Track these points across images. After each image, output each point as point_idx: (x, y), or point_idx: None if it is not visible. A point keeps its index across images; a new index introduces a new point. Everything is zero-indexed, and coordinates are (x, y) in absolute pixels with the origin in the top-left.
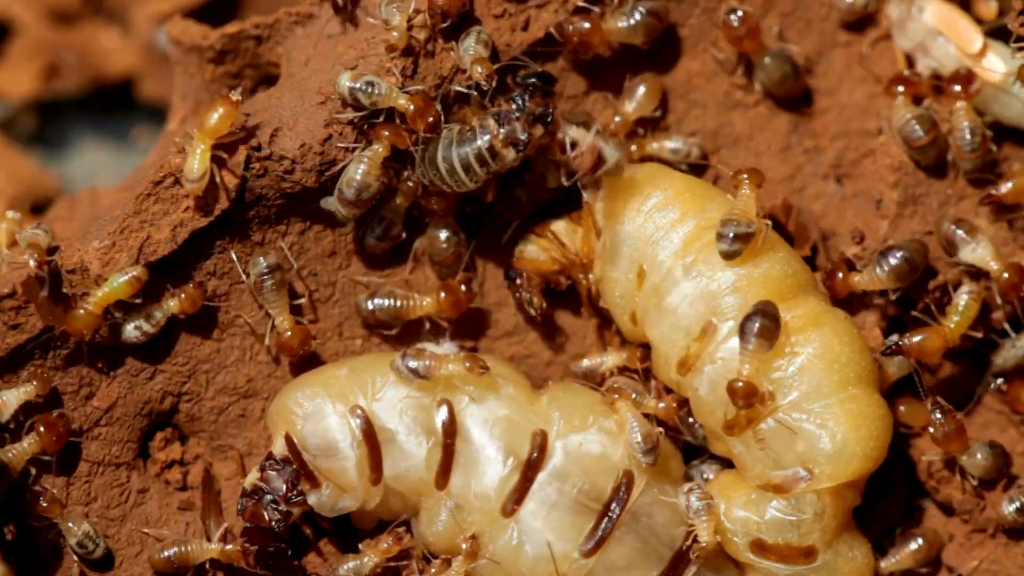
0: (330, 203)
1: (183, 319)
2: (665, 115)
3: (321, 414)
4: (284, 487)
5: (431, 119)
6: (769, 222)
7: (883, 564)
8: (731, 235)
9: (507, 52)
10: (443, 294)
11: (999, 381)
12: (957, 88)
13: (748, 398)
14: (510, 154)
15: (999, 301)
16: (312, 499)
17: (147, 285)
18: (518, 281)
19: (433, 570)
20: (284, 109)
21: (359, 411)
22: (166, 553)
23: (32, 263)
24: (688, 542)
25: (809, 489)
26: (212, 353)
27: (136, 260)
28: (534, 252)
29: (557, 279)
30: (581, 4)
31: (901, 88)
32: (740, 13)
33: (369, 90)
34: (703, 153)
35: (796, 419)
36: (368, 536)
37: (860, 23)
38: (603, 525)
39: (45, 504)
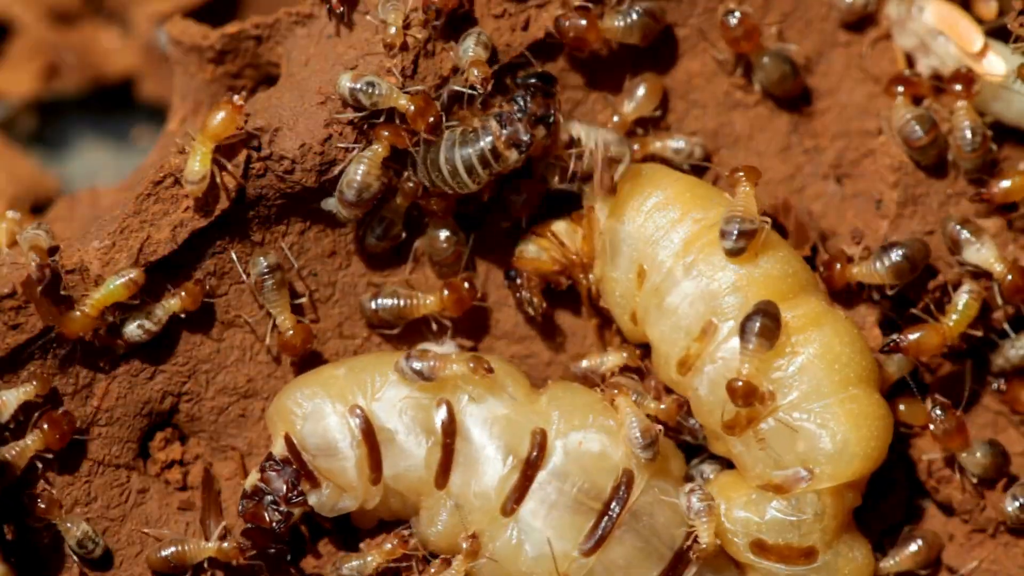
0: (331, 204)
1: (183, 318)
2: (665, 115)
3: (320, 414)
4: (284, 488)
5: (432, 119)
6: (769, 221)
7: (882, 565)
8: (735, 232)
9: (507, 52)
10: (447, 292)
11: (1000, 381)
12: (958, 88)
13: (748, 397)
14: (513, 155)
15: (1000, 302)
16: (312, 499)
17: (147, 285)
18: (518, 281)
19: (432, 570)
20: (284, 109)
21: (358, 411)
22: (164, 553)
23: (34, 266)
24: (688, 542)
25: (809, 489)
26: (212, 353)
27: (136, 260)
28: (534, 252)
29: (557, 279)
30: (579, 3)
31: (901, 88)
32: (738, 14)
33: (369, 90)
34: (706, 153)
35: (796, 419)
36: (368, 536)
37: (860, 23)
38: (603, 524)
39: (43, 505)
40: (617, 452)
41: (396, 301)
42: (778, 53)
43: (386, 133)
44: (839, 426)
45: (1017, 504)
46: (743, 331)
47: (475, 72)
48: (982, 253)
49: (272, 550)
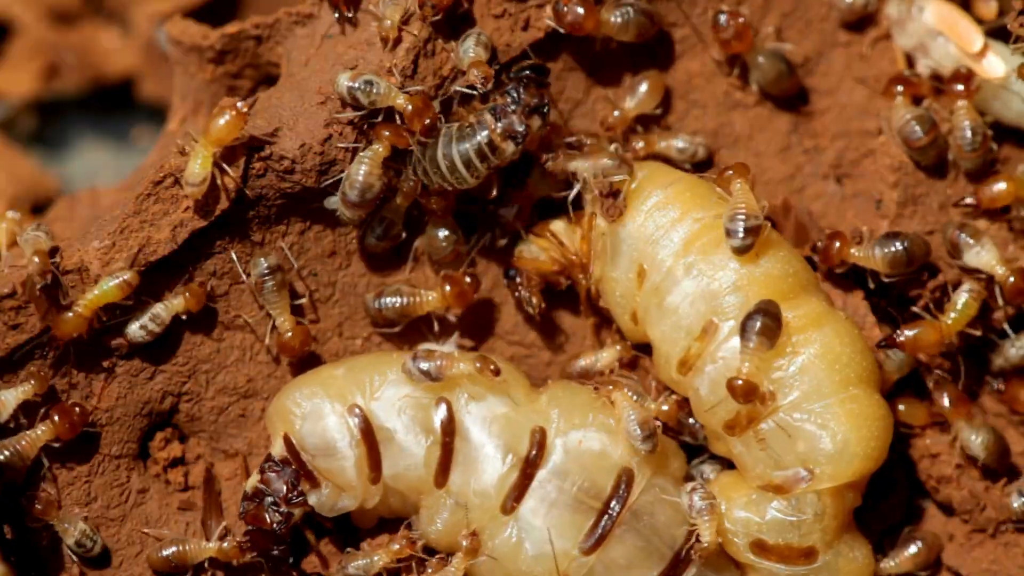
0: (334, 203)
1: (184, 319)
2: (666, 115)
3: (319, 414)
4: (284, 488)
5: (428, 120)
6: (768, 221)
7: (882, 567)
8: (741, 230)
9: (507, 52)
10: (448, 287)
11: (998, 382)
12: (959, 87)
13: (748, 396)
14: (509, 147)
15: (1000, 303)
16: (312, 499)
17: (148, 285)
18: (517, 280)
19: (430, 569)
20: (284, 109)
21: (357, 410)
22: (164, 552)
23: (37, 270)
24: (690, 542)
25: (810, 489)
26: (212, 353)
27: (135, 260)
28: (534, 252)
29: (557, 279)
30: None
31: (900, 88)
32: (726, 15)
33: (368, 89)
34: (709, 153)
35: (797, 419)
36: (369, 535)
37: (860, 23)
38: (603, 523)
39: (40, 506)
40: (617, 451)
41: (400, 299)
42: (774, 52)
43: (386, 133)
44: (839, 426)
45: (1023, 500)
46: (744, 330)
47: (475, 72)
48: (982, 256)
49: (274, 551)
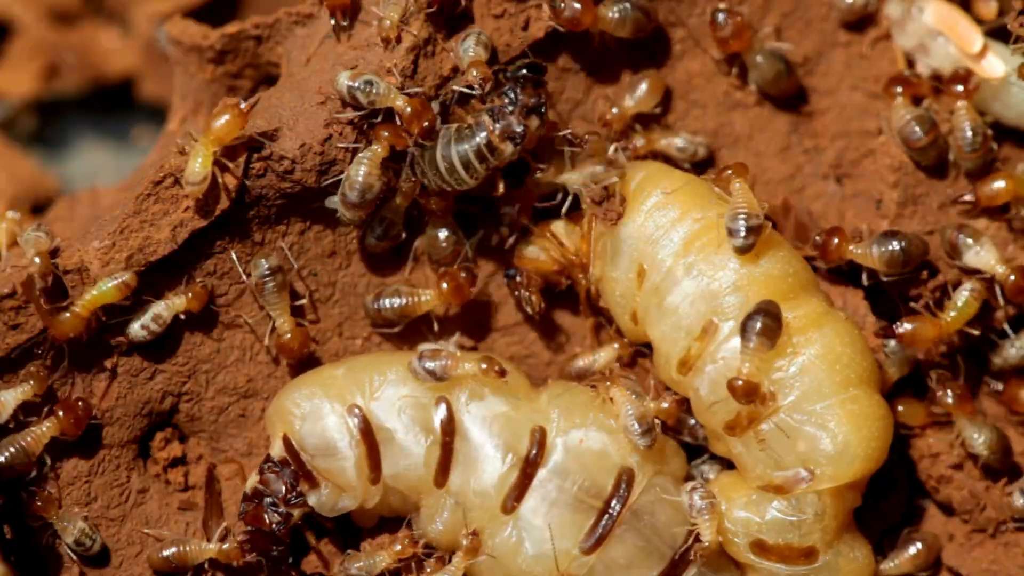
0: (334, 202)
1: (184, 319)
2: (665, 114)
3: (319, 414)
4: (283, 489)
5: (426, 123)
6: (769, 221)
7: (882, 568)
8: (743, 229)
9: (507, 52)
10: (444, 284)
11: (997, 383)
12: (958, 88)
13: (748, 396)
14: (508, 148)
15: (1001, 302)
16: (312, 499)
17: (148, 285)
18: (517, 279)
19: (428, 569)
20: (284, 109)
21: (357, 410)
22: (165, 553)
23: (39, 272)
24: (690, 541)
25: (810, 490)
26: (212, 353)
27: (135, 260)
28: (534, 252)
29: (557, 279)
30: None
31: (900, 88)
32: (724, 13)
33: (367, 89)
34: (709, 152)
35: (797, 420)
36: (369, 535)
37: (860, 23)
38: (603, 522)
39: (40, 503)
40: (618, 451)
41: (399, 300)
42: (772, 52)
43: (386, 133)
44: (840, 427)
45: None
46: (744, 330)
47: (474, 72)
48: (982, 256)
49: (273, 552)
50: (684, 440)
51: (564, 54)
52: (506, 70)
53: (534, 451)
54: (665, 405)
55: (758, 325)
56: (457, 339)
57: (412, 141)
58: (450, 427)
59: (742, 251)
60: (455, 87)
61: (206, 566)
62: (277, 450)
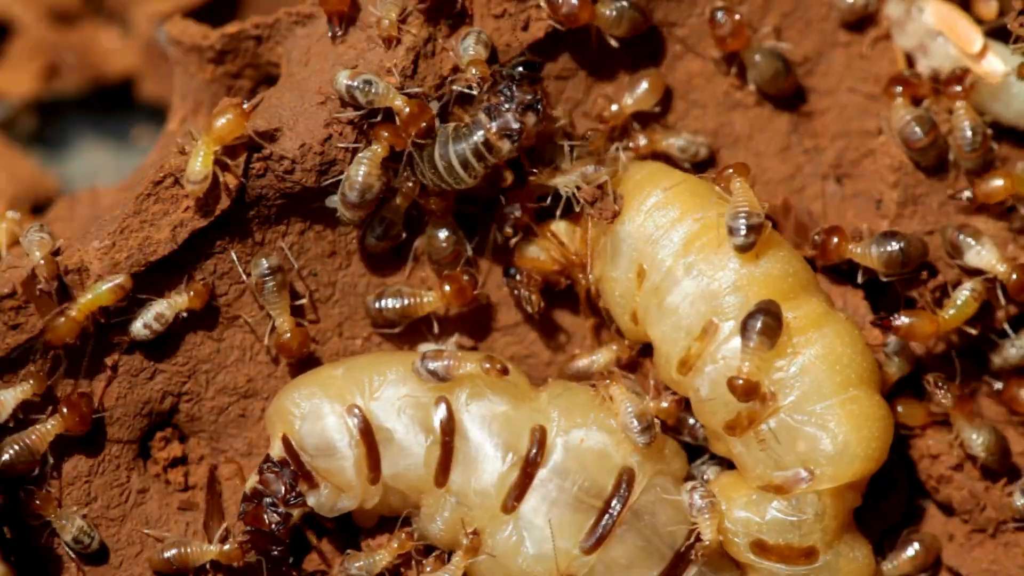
0: (334, 202)
1: (184, 319)
2: (666, 114)
3: (319, 414)
4: (282, 489)
5: (423, 125)
6: (769, 220)
7: (881, 569)
8: (743, 228)
9: (507, 52)
10: (447, 286)
11: (996, 383)
12: (956, 88)
13: (748, 394)
14: (506, 145)
15: (1003, 302)
16: (311, 500)
17: (148, 285)
18: (517, 278)
19: (428, 568)
20: (284, 109)
21: (356, 410)
22: (166, 555)
23: (44, 276)
24: (690, 541)
25: (810, 490)
26: (212, 353)
27: (133, 261)
28: (534, 252)
29: (557, 279)
30: None
31: (900, 89)
32: (722, 12)
33: (366, 88)
34: (710, 152)
35: (797, 420)
36: (369, 535)
37: (860, 23)
38: (603, 522)
39: (39, 502)
40: (619, 451)
41: (400, 301)
42: (771, 51)
43: (385, 133)
44: (840, 427)
45: None
46: (745, 328)
47: (473, 71)
48: (983, 255)
49: (273, 552)
50: (684, 440)
51: (564, 54)
52: (502, 69)
53: (534, 450)
54: (665, 405)
55: (759, 324)
56: (456, 339)
57: (409, 141)
58: (450, 427)
59: (743, 249)
60: (455, 86)
61: (207, 567)
62: (276, 450)
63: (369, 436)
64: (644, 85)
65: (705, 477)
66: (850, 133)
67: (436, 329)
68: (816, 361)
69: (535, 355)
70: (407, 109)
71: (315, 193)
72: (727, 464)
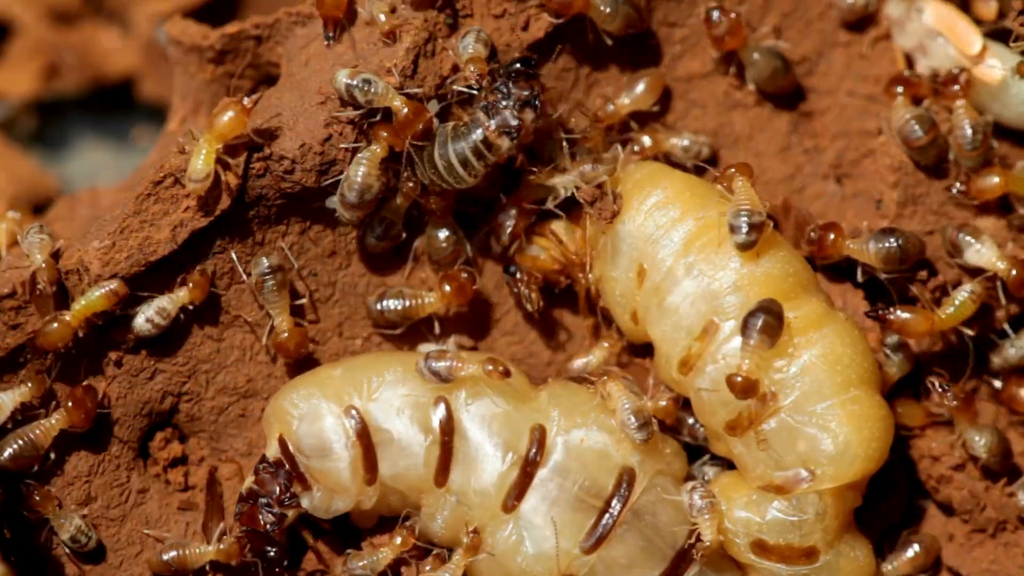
0: (334, 202)
1: (184, 319)
2: (665, 114)
3: (316, 415)
4: (278, 490)
5: (420, 126)
6: (770, 220)
7: (881, 570)
8: (745, 226)
9: (507, 52)
10: (447, 285)
11: (996, 383)
12: (955, 88)
13: (747, 392)
14: (505, 143)
15: (1004, 301)
16: (304, 502)
17: (148, 286)
18: (517, 276)
19: (428, 567)
20: (284, 109)
21: (354, 412)
22: (165, 556)
23: (45, 280)
24: (691, 540)
25: (811, 490)
26: (212, 353)
27: (133, 260)
28: (535, 251)
29: (557, 278)
30: None
31: (900, 88)
32: (718, 11)
33: (365, 88)
34: (712, 152)
35: (798, 420)
36: (369, 535)
37: (860, 23)
38: (604, 522)
39: (38, 498)
40: (619, 451)
41: (402, 302)
42: (769, 49)
43: (384, 134)
44: (841, 427)
45: None
46: (745, 327)
47: (471, 68)
48: (983, 253)
49: (269, 552)
50: (684, 440)
51: (565, 54)
52: (499, 67)
53: (534, 450)
54: (663, 403)
55: (759, 322)
56: (456, 339)
57: (407, 142)
58: (449, 426)
59: (744, 248)
60: (454, 86)
61: (207, 568)
62: (273, 451)
63: (365, 437)
64: (642, 85)
65: (705, 477)
66: (850, 133)
67: (437, 330)
68: (817, 361)
69: (535, 355)
70: (404, 110)
71: (315, 193)
72: (727, 464)
